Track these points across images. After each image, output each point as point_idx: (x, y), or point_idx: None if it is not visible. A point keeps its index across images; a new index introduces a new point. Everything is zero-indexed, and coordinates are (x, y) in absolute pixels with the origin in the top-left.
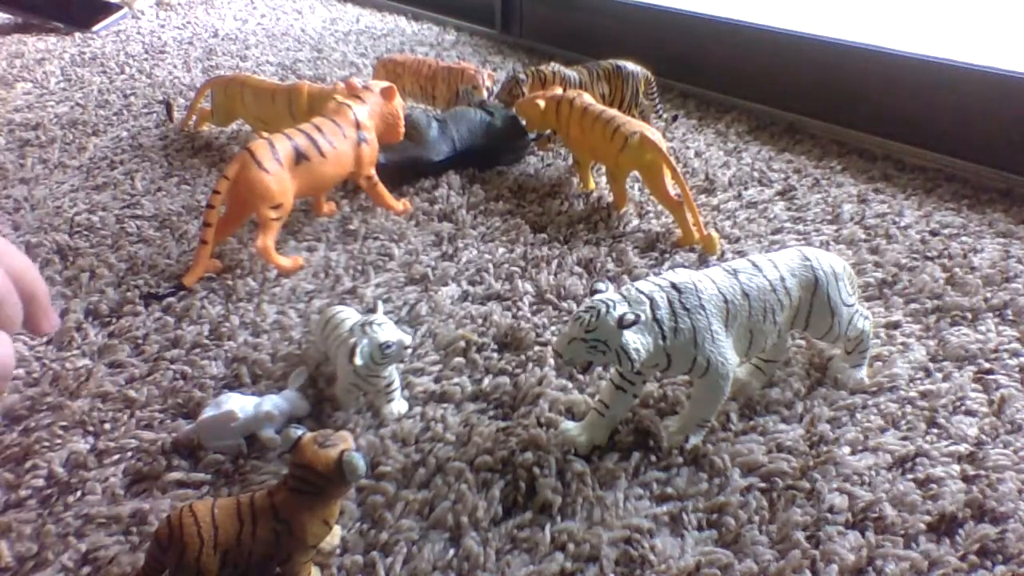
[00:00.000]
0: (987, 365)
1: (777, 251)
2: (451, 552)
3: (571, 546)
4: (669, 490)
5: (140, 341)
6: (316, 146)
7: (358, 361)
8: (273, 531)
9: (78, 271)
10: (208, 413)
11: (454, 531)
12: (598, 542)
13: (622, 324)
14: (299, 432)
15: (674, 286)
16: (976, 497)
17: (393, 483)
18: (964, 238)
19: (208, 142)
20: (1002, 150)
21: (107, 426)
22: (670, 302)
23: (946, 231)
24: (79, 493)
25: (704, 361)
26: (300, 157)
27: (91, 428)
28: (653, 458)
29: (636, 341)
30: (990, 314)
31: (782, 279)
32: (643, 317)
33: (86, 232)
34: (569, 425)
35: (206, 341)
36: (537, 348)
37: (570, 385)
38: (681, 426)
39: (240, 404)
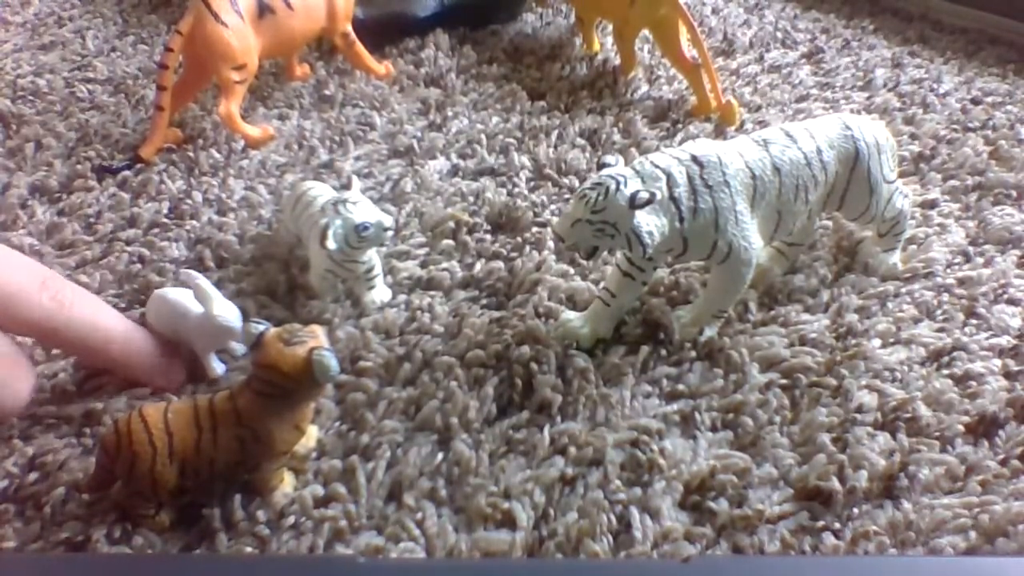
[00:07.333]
0: None
1: (813, 119)
2: (439, 456)
3: (572, 449)
4: (680, 387)
5: (92, 220)
6: None
7: (330, 245)
8: (237, 438)
9: (22, 141)
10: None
11: (443, 433)
12: (602, 445)
13: (634, 203)
14: (261, 327)
15: (694, 159)
16: (1019, 395)
17: (375, 380)
18: (1010, 107)
19: None
20: None
21: None
22: (690, 178)
23: (989, 99)
24: None
25: (725, 246)
26: (264, 9)
27: None
28: (663, 352)
29: (650, 223)
30: None
31: (819, 151)
32: (658, 195)
33: (31, 97)
34: (570, 316)
35: (165, 220)
36: (535, 229)
37: (572, 271)
38: (695, 317)
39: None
